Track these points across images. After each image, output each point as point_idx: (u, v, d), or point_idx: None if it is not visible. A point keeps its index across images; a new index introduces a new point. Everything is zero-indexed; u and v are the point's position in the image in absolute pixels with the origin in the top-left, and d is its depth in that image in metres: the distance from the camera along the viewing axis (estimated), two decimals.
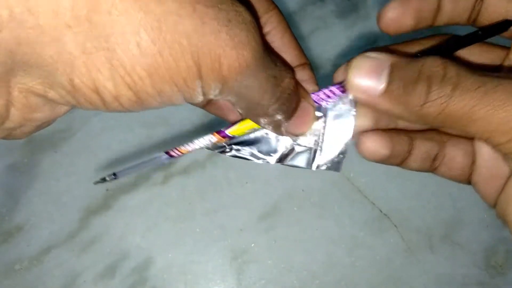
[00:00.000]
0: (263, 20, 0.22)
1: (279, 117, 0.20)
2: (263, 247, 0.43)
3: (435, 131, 0.25)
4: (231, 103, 0.20)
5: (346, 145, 0.24)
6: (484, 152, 0.23)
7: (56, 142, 0.44)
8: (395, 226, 0.44)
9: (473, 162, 0.24)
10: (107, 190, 0.44)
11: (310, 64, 0.24)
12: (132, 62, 0.15)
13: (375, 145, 0.23)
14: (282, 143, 0.24)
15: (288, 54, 0.23)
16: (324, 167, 0.24)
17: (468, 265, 0.43)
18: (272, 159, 0.24)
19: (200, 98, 0.18)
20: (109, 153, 0.45)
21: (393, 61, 0.20)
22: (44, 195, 0.43)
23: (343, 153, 0.24)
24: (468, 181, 0.25)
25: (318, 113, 0.23)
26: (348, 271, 0.43)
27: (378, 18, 0.22)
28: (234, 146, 0.24)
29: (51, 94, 0.16)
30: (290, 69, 0.21)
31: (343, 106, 0.23)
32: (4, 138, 0.19)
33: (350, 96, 0.22)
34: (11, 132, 0.18)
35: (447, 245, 0.44)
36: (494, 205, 0.24)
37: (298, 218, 0.44)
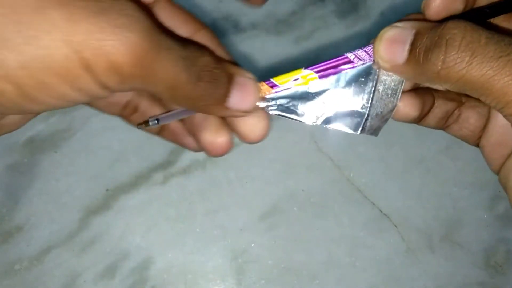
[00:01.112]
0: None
1: (214, 97, 0.20)
2: (263, 247, 0.43)
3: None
4: (154, 95, 0.20)
5: (392, 111, 0.24)
6: (499, 118, 0.23)
7: (56, 142, 0.44)
8: (395, 226, 0.44)
9: (485, 125, 0.24)
10: (107, 190, 0.44)
11: (207, 27, 0.24)
12: (0, 53, 0.16)
13: (407, 107, 0.23)
14: (328, 106, 0.24)
15: (179, 24, 0.23)
16: (368, 132, 0.24)
17: (468, 265, 0.43)
18: (318, 119, 0.24)
19: (104, 91, 0.18)
20: (109, 153, 0.45)
21: (418, 29, 0.20)
22: (44, 195, 0.43)
23: (387, 119, 0.24)
24: (476, 143, 0.25)
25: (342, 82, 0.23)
26: (348, 271, 0.43)
27: (425, 6, 0.21)
28: (278, 101, 0.23)
29: None
30: (204, 49, 0.21)
31: (390, 77, 0.23)
32: None
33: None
34: None
35: (447, 245, 0.44)
36: (497, 171, 0.24)
37: (298, 218, 0.44)
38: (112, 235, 0.42)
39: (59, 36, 0.16)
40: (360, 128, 0.24)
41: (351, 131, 0.24)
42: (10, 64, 0.16)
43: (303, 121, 0.24)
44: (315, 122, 0.24)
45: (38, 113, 0.19)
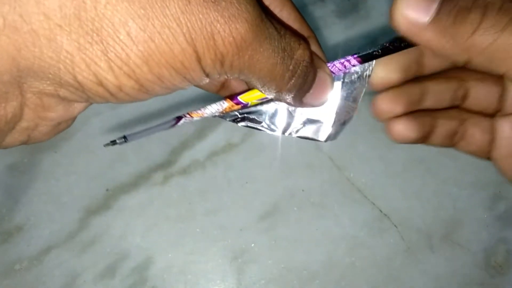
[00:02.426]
0: None
1: (298, 91, 0.20)
2: (263, 247, 0.43)
3: (457, 109, 0.25)
4: (246, 82, 0.20)
5: (351, 118, 0.24)
6: (505, 130, 0.24)
7: (56, 142, 0.44)
8: (395, 226, 0.44)
9: (493, 138, 0.24)
10: (107, 190, 0.44)
11: (315, 36, 0.24)
12: (126, 52, 0.16)
13: (405, 129, 0.23)
14: (297, 118, 0.24)
15: (290, 27, 0.23)
16: (330, 139, 0.25)
17: (468, 265, 0.43)
18: (286, 130, 0.24)
19: (205, 79, 0.18)
20: (109, 153, 0.45)
21: None
22: (44, 195, 0.43)
23: (346, 124, 0.25)
24: (488, 157, 0.25)
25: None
26: (348, 271, 0.43)
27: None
28: (246, 115, 0.24)
29: (62, 92, 0.17)
30: (302, 39, 0.21)
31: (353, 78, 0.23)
32: (25, 142, 0.19)
33: (363, 69, 0.22)
34: (30, 134, 0.19)
35: (447, 245, 0.44)
36: None
37: (298, 218, 0.44)
38: (112, 235, 0.42)
39: (178, 30, 0.16)
40: (326, 136, 0.25)
41: (318, 139, 0.25)
42: (135, 60, 0.16)
43: (271, 132, 0.24)
44: (283, 132, 0.24)
45: (135, 101, 0.19)
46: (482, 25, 0.18)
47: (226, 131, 0.46)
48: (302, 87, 0.20)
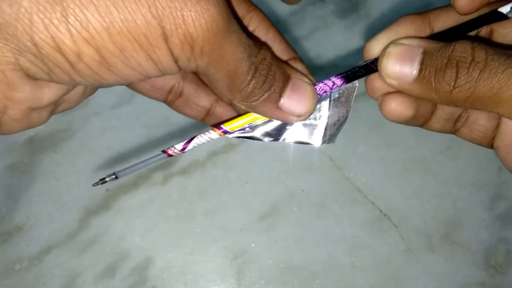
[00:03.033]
0: (245, 21, 0.22)
1: (267, 94, 0.20)
2: (263, 247, 0.43)
3: None
4: (209, 80, 0.19)
5: (346, 118, 0.24)
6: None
7: (56, 142, 0.44)
8: (395, 226, 0.44)
9: (497, 126, 0.24)
10: (107, 190, 0.44)
11: (300, 57, 0.24)
12: (86, 15, 0.15)
13: (399, 106, 0.23)
14: (290, 125, 0.24)
15: (276, 49, 0.23)
16: (327, 142, 0.24)
17: (468, 265, 0.43)
18: (278, 137, 0.24)
19: (174, 66, 0.18)
20: (109, 153, 0.45)
21: (425, 48, 0.20)
22: (44, 195, 0.43)
23: (342, 125, 0.24)
24: (490, 145, 0.25)
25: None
26: (348, 271, 0.43)
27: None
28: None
29: (22, 61, 0.16)
30: (263, 44, 0.21)
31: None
32: None
33: (350, 85, 0.22)
34: (0, 118, 0.18)
35: (447, 245, 0.44)
36: None
37: (298, 218, 0.44)
38: (112, 235, 0.42)
39: (144, 1, 0.16)
40: (322, 140, 0.24)
41: (313, 144, 0.24)
42: (96, 26, 0.16)
43: (263, 140, 0.24)
44: (275, 139, 0.24)
45: (107, 86, 0.19)
46: (457, 83, 0.19)
47: None
48: (267, 88, 0.20)
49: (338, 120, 0.24)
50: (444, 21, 0.22)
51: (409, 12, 0.24)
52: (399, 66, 0.21)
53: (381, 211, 0.44)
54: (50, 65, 0.16)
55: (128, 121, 0.46)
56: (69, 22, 0.15)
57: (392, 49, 0.21)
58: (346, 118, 0.24)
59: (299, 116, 0.22)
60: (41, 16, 0.15)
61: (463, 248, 0.44)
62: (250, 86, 0.20)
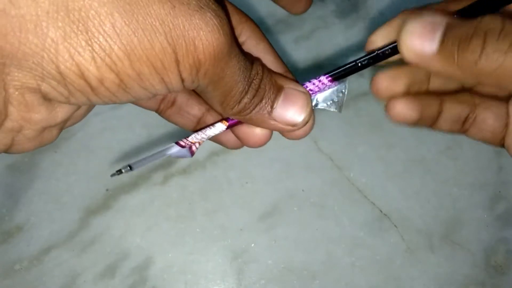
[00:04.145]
0: (237, 31, 0.23)
1: (259, 105, 0.21)
2: (263, 247, 0.43)
3: (467, 93, 0.24)
4: (204, 95, 0.20)
5: (345, 84, 0.24)
6: None
7: (56, 142, 0.44)
8: (395, 226, 0.44)
9: (506, 124, 0.24)
10: (107, 190, 0.44)
11: (291, 71, 0.24)
12: (109, 43, 0.16)
13: (404, 109, 0.23)
14: None
15: (266, 61, 0.24)
16: (324, 105, 0.24)
17: (468, 265, 0.43)
18: None
19: (179, 86, 0.19)
20: (109, 153, 0.45)
21: (448, 21, 0.19)
22: (44, 195, 0.43)
23: (342, 91, 0.24)
24: (501, 144, 0.25)
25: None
26: (348, 271, 0.43)
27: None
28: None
29: (44, 87, 0.17)
30: (256, 59, 0.22)
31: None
32: (9, 147, 0.19)
33: (339, 86, 0.23)
34: (14, 137, 0.19)
35: (447, 245, 0.44)
36: None
37: (298, 218, 0.44)
38: (112, 235, 0.42)
39: (161, 29, 0.17)
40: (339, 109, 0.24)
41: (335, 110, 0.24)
42: (118, 53, 0.16)
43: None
44: None
45: (118, 103, 0.20)
46: (485, 52, 0.18)
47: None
48: (257, 102, 0.21)
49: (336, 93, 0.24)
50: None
51: None
52: (420, 40, 0.19)
53: (381, 211, 0.44)
54: (71, 89, 0.17)
55: (128, 121, 0.46)
56: (94, 50, 0.16)
57: (413, 23, 0.20)
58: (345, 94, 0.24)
59: (294, 125, 0.22)
60: (67, 45, 0.16)
61: (463, 248, 0.44)
62: (241, 103, 0.20)
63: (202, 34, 0.17)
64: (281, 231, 0.43)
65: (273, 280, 0.42)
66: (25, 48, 0.16)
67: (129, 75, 0.17)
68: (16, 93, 0.17)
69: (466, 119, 0.25)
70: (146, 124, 0.46)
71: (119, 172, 0.24)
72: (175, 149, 0.24)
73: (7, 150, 0.19)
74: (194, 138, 0.24)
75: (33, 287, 0.41)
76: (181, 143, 0.24)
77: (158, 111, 0.27)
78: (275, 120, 0.21)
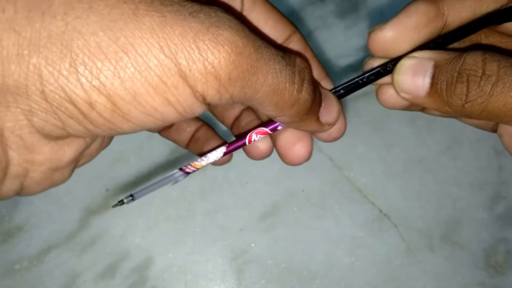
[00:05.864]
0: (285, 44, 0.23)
1: (312, 106, 0.20)
2: (263, 247, 0.43)
3: None
4: (254, 106, 0.19)
5: None
6: None
7: None
8: (395, 226, 0.44)
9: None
10: (107, 190, 0.44)
11: (298, 30, 0.24)
12: (95, 63, 0.15)
13: (394, 95, 0.23)
14: None
15: (271, 27, 0.23)
16: None
17: (468, 265, 0.43)
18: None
19: (197, 104, 0.17)
20: (109, 153, 0.44)
21: (436, 61, 0.20)
22: (44, 195, 0.43)
23: None
24: (493, 130, 0.25)
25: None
26: (348, 271, 0.43)
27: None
28: None
29: (35, 121, 0.16)
30: (296, 54, 0.21)
31: None
32: (20, 192, 0.18)
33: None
34: (22, 182, 0.18)
35: (447, 245, 0.44)
36: None
37: (298, 218, 0.44)
38: (112, 235, 0.42)
39: (154, 41, 0.15)
40: None
41: None
42: (106, 73, 0.15)
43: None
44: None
45: (125, 134, 0.18)
46: (469, 98, 0.19)
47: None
48: (316, 97, 0.20)
49: None
50: (459, 12, 0.21)
51: None
52: (411, 81, 0.21)
53: (381, 211, 0.44)
54: (62, 117, 0.16)
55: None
56: (78, 71, 0.15)
57: (404, 63, 0.21)
58: None
59: (330, 125, 0.22)
60: (50, 69, 0.15)
61: (463, 248, 0.44)
62: (299, 97, 0.19)
63: (201, 35, 0.16)
64: (281, 231, 0.43)
65: (273, 280, 0.42)
66: (8, 81, 0.15)
67: (122, 97, 0.16)
68: (12, 135, 0.16)
69: None
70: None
71: (121, 202, 0.24)
72: (178, 174, 0.23)
73: (18, 194, 0.18)
74: (198, 163, 0.23)
75: (33, 287, 0.41)
76: (186, 169, 0.23)
77: (160, 132, 0.26)
78: (319, 121, 0.21)
